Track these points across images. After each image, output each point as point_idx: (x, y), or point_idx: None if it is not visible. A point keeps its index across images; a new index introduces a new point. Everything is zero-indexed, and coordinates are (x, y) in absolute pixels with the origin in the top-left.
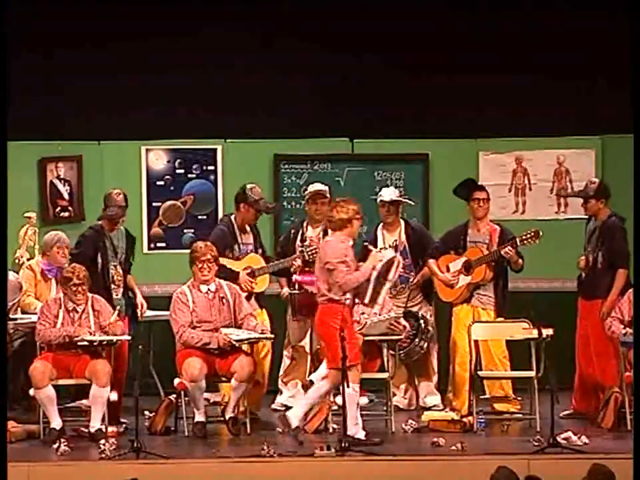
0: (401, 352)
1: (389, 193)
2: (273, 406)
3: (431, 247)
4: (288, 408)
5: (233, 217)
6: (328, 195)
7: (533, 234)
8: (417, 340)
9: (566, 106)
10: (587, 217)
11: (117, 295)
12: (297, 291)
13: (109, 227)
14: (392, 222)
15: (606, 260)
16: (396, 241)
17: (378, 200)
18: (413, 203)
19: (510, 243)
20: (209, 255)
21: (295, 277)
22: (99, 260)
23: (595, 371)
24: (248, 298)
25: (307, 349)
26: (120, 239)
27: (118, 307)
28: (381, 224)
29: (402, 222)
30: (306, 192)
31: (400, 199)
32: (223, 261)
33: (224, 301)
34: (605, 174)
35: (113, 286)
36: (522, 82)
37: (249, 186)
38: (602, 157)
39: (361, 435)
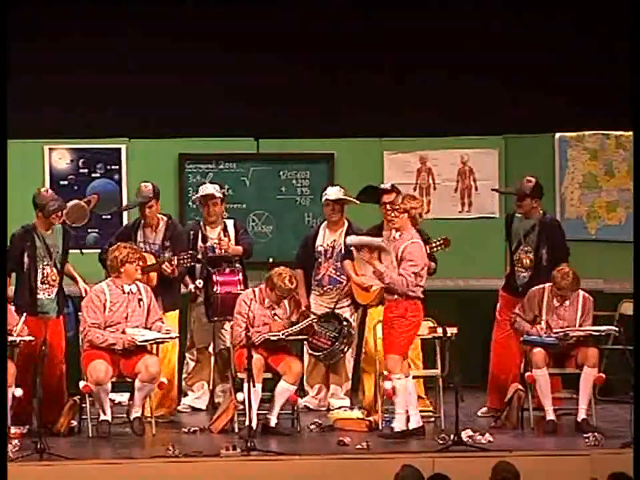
0: (321, 353)
1: (334, 192)
2: (179, 407)
3: (347, 249)
4: (195, 409)
5: (139, 217)
6: (219, 195)
7: (442, 241)
8: (337, 343)
9: (469, 106)
10: (516, 213)
11: (49, 295)
12: (218, 292)
13: (43, 226)
14: (336, 221)
15: (550, 256)
16: (335, 241)
17: (323, 199)
18: (358, 202)
19: None
20: (138, 255)
21: (215, 278)
22: (25, 260)
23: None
24: None
25: (211, 350)
26: (56, 237)
27: (25, 314)
28: (325, 222)
29: (346, 223)
30: (197, 194)
31: (345, 197)
32: None
33: (141, 303)
34: (507, 173)
35: (46, 286)
36: (426, 82)
37: (137, 187)
38: (505, 156)
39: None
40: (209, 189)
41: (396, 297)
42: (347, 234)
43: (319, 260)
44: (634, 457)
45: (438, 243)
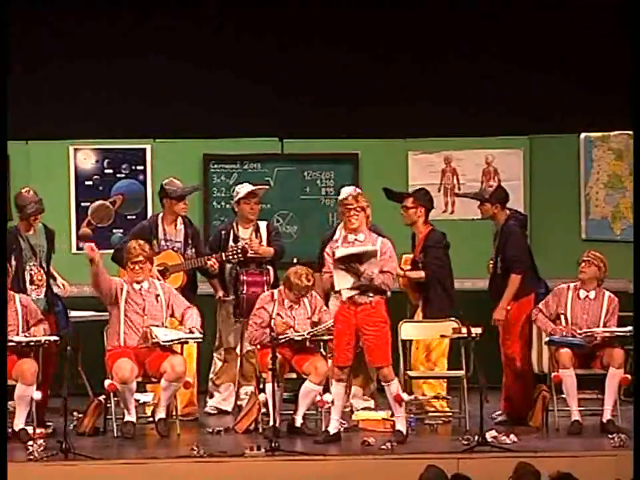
0: (332, 353)
1: (346, 192)
2: (206, 409)
3: None
4: (221, 411)
5: (160, 215)
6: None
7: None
8: None
9: (494, 106)
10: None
11: (38, 295)
12: (244, 293)
13: (25, 227)
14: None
15: (503, 265)
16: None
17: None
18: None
19: None
20: (141, 257)
21: (242, 277)
22: (13, 262)
23: (515, 370)
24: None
25: (237, 351)
26: (38, 237)
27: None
28: (342, 223)
29: None
30: (237, 192)
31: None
32: None
33: (158, 299)
34: (532, 174)
35: (34, 286)
36: (451, 82)
37: (165, 181)
38: (530, 156)
39: None
40: (250, 186)
41: (371, 298)
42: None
43: None
44: (634, 457)
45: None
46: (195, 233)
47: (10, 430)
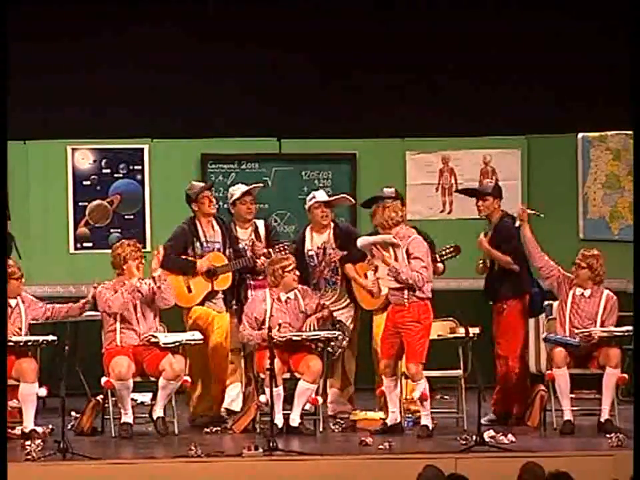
0: None
1: (322, 194)
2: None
3: (352, 252)
4: (230, 412)
5: (194, 217)
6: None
7: (452, 249)
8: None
9: (491, 106)
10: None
11: None
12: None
13: None
14: (325, 224)
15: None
16: (324, 243)
17: (313, 201)
18: (353, 201)
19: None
20: (141, 253)
21: (248, 281)
22: None
23: (508, 370)
24: (209, 296)
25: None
26: None
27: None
28: (310, 225)
29: (332, 223)
30: (232, 193)
31: (340, 196)
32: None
33: (138, 293)
34: (530, 173)
35: None
36: (448, 82)
37: (187, 187)
38: (527, 156)
39: None
40: (244, 186)
41: (405, 300)
42: (334, 235)
43: (312, 264)
44: (634, 457)
45: (449, 251)
46: (231, 232)
47: (19, 431)
